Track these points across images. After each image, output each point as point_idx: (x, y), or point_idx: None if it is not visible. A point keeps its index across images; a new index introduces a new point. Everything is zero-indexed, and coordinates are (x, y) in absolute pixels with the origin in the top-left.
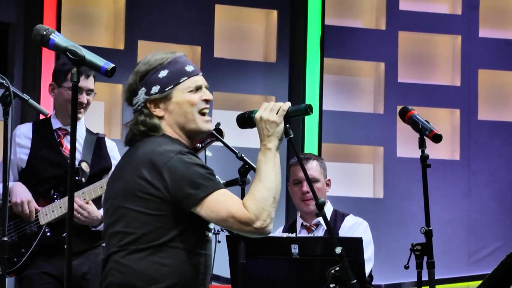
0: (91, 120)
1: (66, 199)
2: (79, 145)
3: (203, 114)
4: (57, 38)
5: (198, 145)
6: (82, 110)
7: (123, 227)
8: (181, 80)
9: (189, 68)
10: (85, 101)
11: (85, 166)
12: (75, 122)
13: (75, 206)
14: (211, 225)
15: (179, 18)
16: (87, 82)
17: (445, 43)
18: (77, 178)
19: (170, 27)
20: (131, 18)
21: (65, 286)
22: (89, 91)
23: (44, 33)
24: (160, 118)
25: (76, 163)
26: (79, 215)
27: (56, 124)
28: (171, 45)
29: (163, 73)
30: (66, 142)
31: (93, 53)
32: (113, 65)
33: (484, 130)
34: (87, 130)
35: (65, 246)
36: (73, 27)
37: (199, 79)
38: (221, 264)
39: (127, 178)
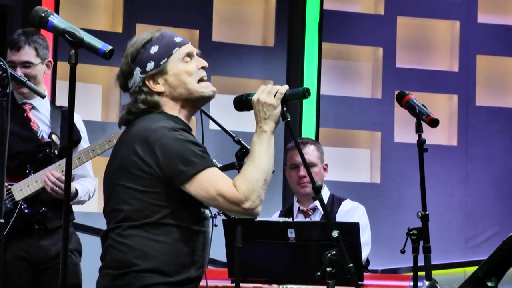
0: (89, 103)
1: (41, 173)
2: (46, 119)
3: (202, 81)
4: (56, 20)
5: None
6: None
7: (117, 204)
8: (173, 51)
9: (178, 39)
10: (20, 75)
11: (55, 138)
12: (73, 104)
13: (53, 179)
14: None
15: (178, 1)
16: (18, 56)
17: (444, 28)
18: (48, 151)
19: (168, 10)
20: (130, 1)
21: (61, 271)
22: (26, 64)
23: (43, 15)
24: (161, 94)
25: (46, 136)
26: (57, 188)
27: (20, 99)
28: (169, 29)
29: (154, 49)
30: (32, 117)
31: (92, 35)
32: (111, 48)
33: (482, 115)
34: (51, 103)
35: (62, 228)
36: (72, 10)
37: (189, 47)
38: (217, 248)
39: (122, 155)
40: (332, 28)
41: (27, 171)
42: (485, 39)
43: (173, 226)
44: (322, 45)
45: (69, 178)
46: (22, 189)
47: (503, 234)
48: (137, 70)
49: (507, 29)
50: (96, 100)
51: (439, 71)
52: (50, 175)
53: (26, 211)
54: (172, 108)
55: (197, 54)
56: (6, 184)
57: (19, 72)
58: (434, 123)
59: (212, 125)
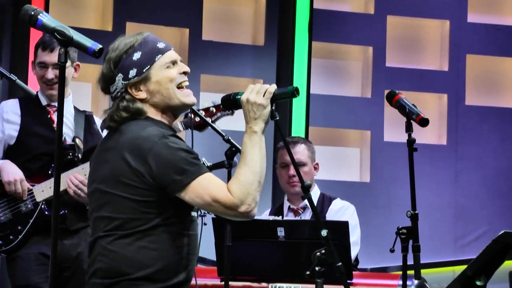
0: (79, 101)
1: (63, 175)
2: (70, 122)
3: (181, 87)
4: (45, 18)
5: (208, 119)
6: (55, 86)
7: (109, 212)
8: (156, 59)
9: (161, 44)
10: (51, 77)
11: (79, 142)
12: (62, 101)
13: (76, 182)
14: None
15: (168, 0)
16: (51, 57)
17: (434, 27)
18: (71, 154)
19: (158, 9)
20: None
21: (50, 266)
22: (57, 66)
23: (32, 13)
24: (143, 100)
25: (69, 140)
26: (79, 191)
27: (44, 100)
28: (159, 27)
29: (136, 55)
30: (56, 119)
31: (81, 34)
32: (101, 46)
33: (472, 115)
34: (75, 108)
35: (52, 227)
36: (62, 8)
37: (173, 54)
38: (207, 247)
39: (112, 163)
40: (322, 27)
41: (50, 172)
42: (475, 38)
43: (165, 232)
44: (312, 44)
45: (58, 180)
46: (43, 190)
47: (492, 233)
48: (119, 76)
49: (497, 28)
50: (86, 99)
51: (429, 71)
52: (73, 178)
53: (46, 212)
54: (154, 114)
55: (180, 61)
56: (28, 184)
57: (51, 73)
58: (424, 122)
59: None
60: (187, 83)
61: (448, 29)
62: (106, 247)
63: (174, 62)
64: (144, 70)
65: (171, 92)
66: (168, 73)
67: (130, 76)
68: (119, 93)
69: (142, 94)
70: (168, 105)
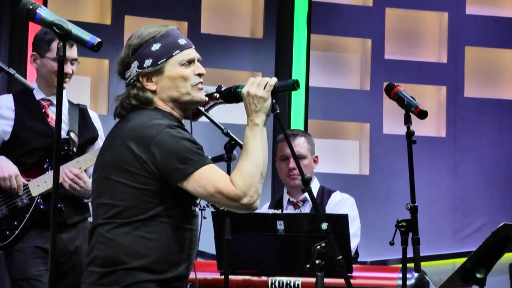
0: (77, 95)
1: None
2: (64, 116)
3: (195, 86)
4: (44, 12)
5: (201, 108)
6: (67, 79)
7: (109, 198)
8: (173, 54)
9: (182, 41)
10: (70, 71)
11: (73, 136)
12: (61, 95)
13: (71, 175)
14: (197, 200)
15: None
16: (71, 52)
17: (432, 19)
18: (66, 148)
19: (157, 2)
20: None
21: (50, 259)
22: (74, 61)
23: (31, 7)
24: (153, 92)
25: (64, 133)
26: (75, 185)
27: (39, 94)
28: (157, 21)
29: (155, 46)
30: (51, 113)
31: (80, 28)
32: (100, 40)
33: (471, 107)
34: (69, 101)
35: (51, 220)
36: (60, 2)
37: (192, 52)
38: (206, 240)
39: (116, 150)
40: (321, 20)
41: (45, 166)
42: (474, 30)
43: (164, 223)
44: (310, 37)
45: (57, 176)
46: (39, 185)
47: (491, 225)
48: (135, 64)
49: (495, 20)
50: (85, 92)
51: (428, 63)
52: (68, 171)
53: (42, 206)
54: (163, 106)
55: (198, 60)
56: (23, 179)
57: (69, 68)
58: (422, 114)
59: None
60: (201, 85)
61: (447, 21)
62: (104, 235)
63: (191, 61)
64: (159, 62)
65: (183, 90)
66: (183, 71)
67: (145, 65)
68: (132, 80)
69: (152, 86)
70: (177, 100)
